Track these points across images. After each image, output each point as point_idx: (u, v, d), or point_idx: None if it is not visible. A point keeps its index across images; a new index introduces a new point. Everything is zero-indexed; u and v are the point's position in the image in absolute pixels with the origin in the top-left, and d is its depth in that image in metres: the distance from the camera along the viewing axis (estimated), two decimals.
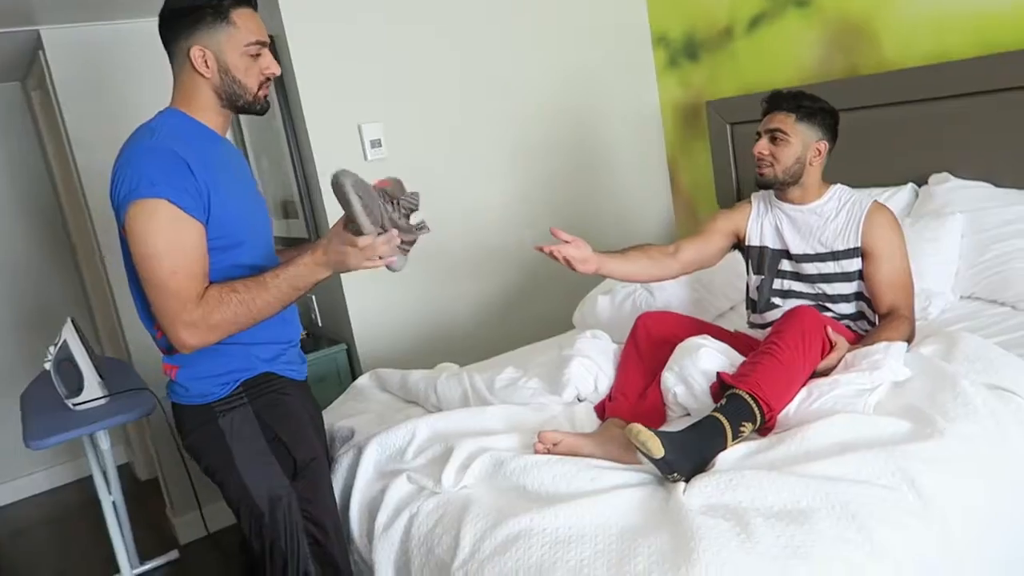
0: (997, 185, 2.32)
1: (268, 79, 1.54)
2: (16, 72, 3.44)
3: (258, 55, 1.50)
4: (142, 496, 3.63)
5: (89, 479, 3.93)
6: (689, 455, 1.43)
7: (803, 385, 1.63)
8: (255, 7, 1.52)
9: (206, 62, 1.47)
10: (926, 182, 2.46)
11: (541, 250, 1.77)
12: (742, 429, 1.52)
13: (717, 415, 1.53)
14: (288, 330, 1.67)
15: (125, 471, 4.00)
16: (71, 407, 2.30)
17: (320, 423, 1.78)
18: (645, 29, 3.33)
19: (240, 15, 1.48)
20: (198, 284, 1.42)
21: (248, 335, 1.52)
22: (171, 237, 1.40)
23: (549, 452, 1.57)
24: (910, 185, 2.50)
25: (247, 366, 1.56)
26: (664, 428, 1.70)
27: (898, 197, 2.49)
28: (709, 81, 3.16)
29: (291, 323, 1.69)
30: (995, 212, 2.24)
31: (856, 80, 2.59)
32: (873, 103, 2.54)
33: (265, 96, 1.55)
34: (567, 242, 1.80)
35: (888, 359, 1.63)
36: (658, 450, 1.38)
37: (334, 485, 1.73)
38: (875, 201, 1.94)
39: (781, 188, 1.98)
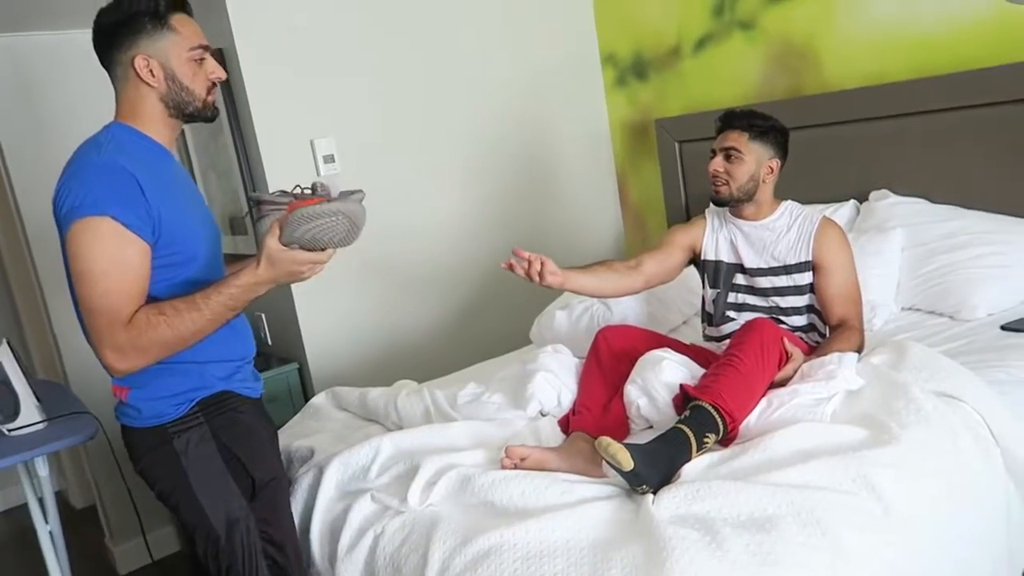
0: (932, 201, 2.43)
1: (214, 84, 1.51)
2: None
3: (202, 60, 1.48)
4: (77, 525, 3.47)
5: (16, 509, 3.75)
6: (656, 467, 1.44)
7: (763, 395, 1.67)
8: (190, 13, 1.50)
9: (151, 71, 1.44)
10: (867, 198, 2.56)
11: (510, 268, 1.80)
12: (706, 440, 1.55)
13: (682, 427, 1.55)
14: (242, 347, 1.63)
15: (58, 500, 3.81)
16: (6, 433, 2.18)
17: (276, 442, 1.73)
18: (594, 48, 3.39)
19: (179, 20, 1.45)
20: (131, 305, 1.37)
21: (201, 353, 1.48)
22: (112, 256, 1.36)
23: (516, 467, 1.57)
24: (852, 201, 2.60)
25: (202, 384, 1.51)
26: (628, 440, 1.72)
27: (841, 213, 2.58)
28: (657, 99, 3.23)
29: (246, 339, 1.65)
30: (932, 227, 2.34)
31: (799, 100, 2.69)
32: (815, 122, 2.63)
33: (213, 102, 1.52)
34: (528, 259, 1.84)
35: (842, 369, 1.68)
36: (627, 462, 1.39)
37: (293, 507, 1.68)
38: (824, 216, 2.01)
39: (736, 205, 2.03)
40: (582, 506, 1.42)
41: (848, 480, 1.36)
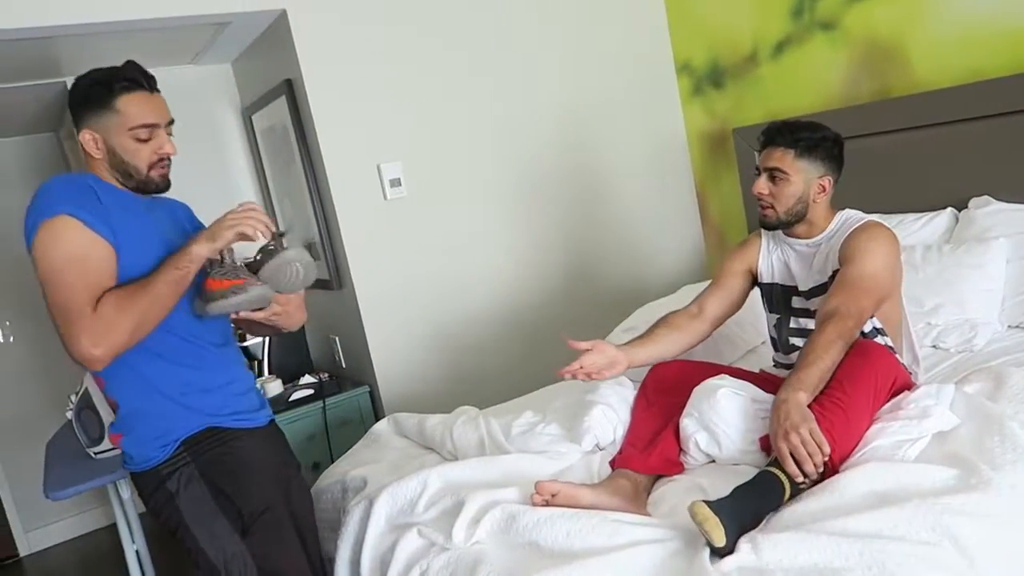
0: None
1: (162, 159, 1.56)
2: (50, 123, 3.52)
3: (148, 139, 1.53)
4: (173, 541, 3.61)
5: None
6: (742, 525, 1.31)
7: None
8: (150, 89, 1.55)
9: (96, 144, 1.52)
10: (966, 206, 2.34)
11: (564, 375, 1.74)
12: (802, 485, 1.40)
13: (775, 471, 1.40)
14: (227, 372, 1.63)
15: None
16: (92, 456, 2.29)
17: (289, 469, 1.72)
18: (668, 57, 3.28)
19: (128, 101, 1.51)
20: (99, 296, 1.42)
21: (174, 384, 1.52)
22: (72, 250, 1.41)
23: (548, 503, 1.49)
24: (949, 209, 2.39)
25: (184, 423, 1.55)
26: (684, 476, 1.62)
27: (936, 222, 2.38)
28: (735, 108, 3.09)
29: (220, 366, 1.63)
30: None
31: (887, 103, 2.50)
32: (906, 126, 2.44)
33: (161, 175, 1.57)
34: (587, 350, 1.74)
35: (938, 405, 1.51)
36: (720, 540, 1.25)
37: (345, 538, 1.68)
38: (870, 219, 1.81)
39: (786, 227, 1.87)
40: (630, 549, 1.33)
41: (927, 529, 1.21)
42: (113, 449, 2.29)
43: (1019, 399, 1.54)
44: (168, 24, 2.41)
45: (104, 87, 1.50)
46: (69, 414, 2.33)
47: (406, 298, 2.73)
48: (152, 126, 1.53)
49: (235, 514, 1.52)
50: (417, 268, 2.77)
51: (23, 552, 3.81)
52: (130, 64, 1.55)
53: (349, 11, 2.62)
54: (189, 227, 1.71)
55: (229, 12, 2.45)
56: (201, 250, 1.48)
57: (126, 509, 2.46)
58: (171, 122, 1.58)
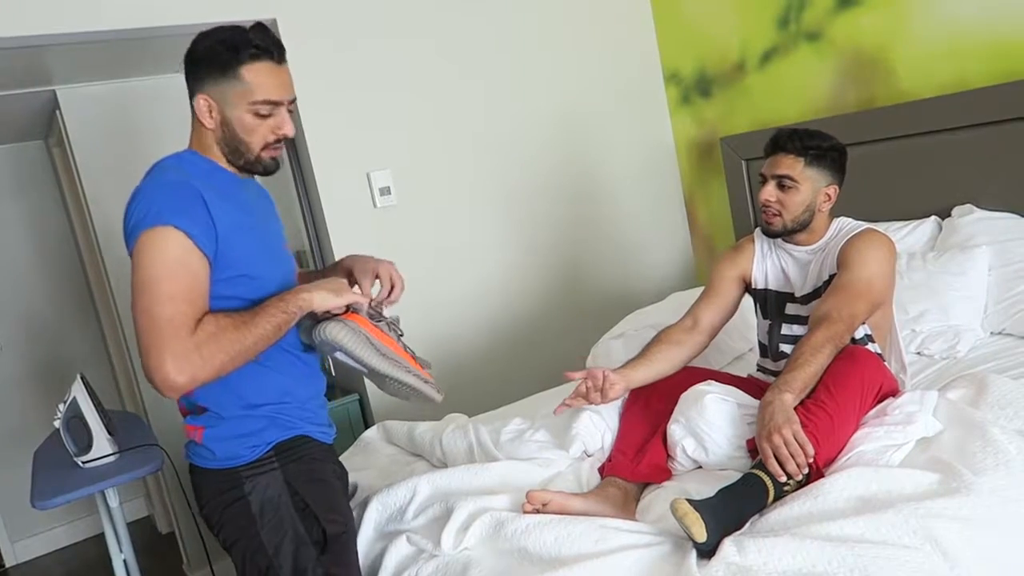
0: (1023, 216, 2.23)
1: (278, 140, 1.43)
2: (39, 131, 3.52)
3: (268, 115, 1.40)
4: (161, 550, 3.60)
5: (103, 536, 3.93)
6: (724, 526, 1.32)
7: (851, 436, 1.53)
8: (278, 60, 1.41)
9: (210, 113, 1.40)
10: (949, 214, 2.38)
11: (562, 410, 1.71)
12: (786, 487, 1.42)
13: (759, 473, 1.41)
14: (315, 383, 1.57)
15: (146, 524, 3.98)
16: (80, 465, 2.28)
17: (347, 490, 1.65)
18: (656, 67, 3.31)
19: (253, 70, 1.38)
20: (196, 314, 1.29)
21: (277, 391, 1.44)
22: (177, 262, 1.29)
23: (538, 512, 1.49)
24: (932, 218, 2.42)
25: (282, 425, 1.45)
26: (672, 482, 1.63)
27: (920, 230, 2.41)
28: (723, 117, 3.12)
29: (317, 376, 1.58)
30: (1023, 244, 2.15)
31: (872, 112, 2.53)
32: (890, 135, 2.47)
33: (272, 158, 1.44)
34: (584, 379, 1.70)
35: (922, 411, 1.53)
36: (700, 535, 1.27)
37: None
38: (868, 228, 1.82)
39: (790, 235, 1.88)
40: (618, 554, 1.34)
41: (909, 533, 1.23)
42: (100, 458, 2.28)
43: (1000, 405, 1.56)
44: (157, 33, 2.42)
45: (230, 50, 1.36)
46: (57, 423, 2.32)
47: (395, 306, 2.72)
48: (276, 103, 1.40)
49: (316, 529, 1.42)
50: (406, 276, 2.76)
51: (9, 563, 3.79)
52: (260, 28, 1.40)
53: (339, 19, 2.63)
54: (267, 201, 1.60)
55: (219, 22, 2.44)
56: (317, 301, 1.38)
57: (114, 518, 2.45)
58: (293, 99, 1.44)
